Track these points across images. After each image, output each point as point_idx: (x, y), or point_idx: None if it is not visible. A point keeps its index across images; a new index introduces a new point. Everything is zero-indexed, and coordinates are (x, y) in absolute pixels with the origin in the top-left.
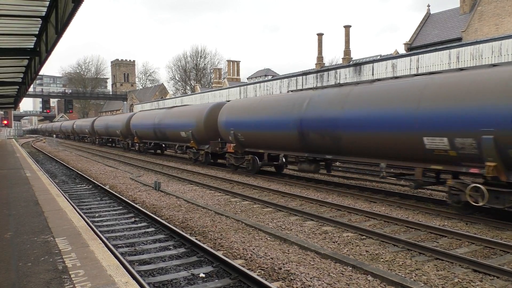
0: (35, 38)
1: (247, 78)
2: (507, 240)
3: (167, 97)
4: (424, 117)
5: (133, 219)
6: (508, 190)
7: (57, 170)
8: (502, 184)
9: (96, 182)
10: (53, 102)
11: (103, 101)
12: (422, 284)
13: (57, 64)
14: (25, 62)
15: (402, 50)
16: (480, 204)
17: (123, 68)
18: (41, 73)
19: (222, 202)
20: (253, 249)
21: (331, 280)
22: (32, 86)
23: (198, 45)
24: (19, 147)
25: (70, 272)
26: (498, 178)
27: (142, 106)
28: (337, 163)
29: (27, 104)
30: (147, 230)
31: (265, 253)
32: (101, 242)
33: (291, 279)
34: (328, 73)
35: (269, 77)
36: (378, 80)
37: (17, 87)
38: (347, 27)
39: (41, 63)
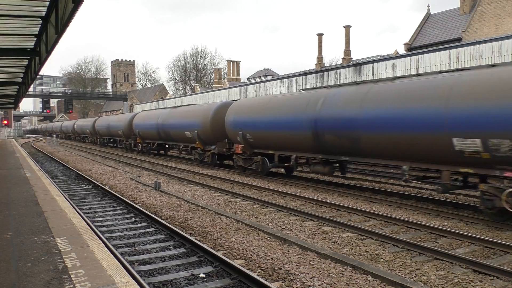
0: (35, 38)
1: (247, 78)
2: (507, 240)
3: (167, 97)
4: (454, 117)
5: (133, 219)
6: None
7: (57, 170)
8: None
9: (96, 182)
10: (53, 102)
11: (103, 101)
12: (422, 284)
13: (57, 64)
14: (25, 62)
15: (402, 50)
16: None
17: (123, 68)
18: (41, 73)
19: (222, 202)
20: (253, 249)
21: (331, 280)
22: (32, 86)
23: (198, 45)
24: (19, 147)
25: (70, 272)
26: None
27: (142, 106)
28: (352, 165)
29: (27, 104)
30: (147, 230)
31: (265, 253)
32: (101, 242)
33: (291, 279)
34: (328, 73)
35: (269, 77)
36: (399, 77)
37: (17, 87)
38: (347, 27)
39: (41, 63)
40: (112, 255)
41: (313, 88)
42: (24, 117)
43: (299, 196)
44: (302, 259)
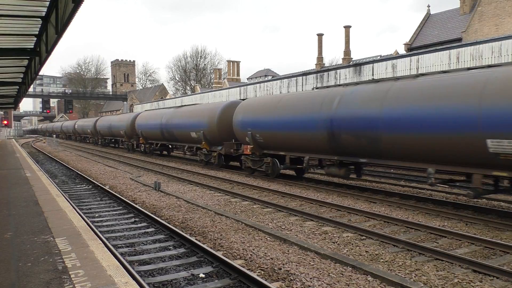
0: (35, 38)
1: (247, 78)
2: (507, 241)
3: (167, 97)
4: (489, 117)
5: (133, 219)
6: None
7: (57, 170)
8: None
9: (96, 182)
10: (53, 102)
11: (103, 101)
12: (422, 285)
13: (57, 64)
14: (25, 62)
15: (402, 51)
16: None
17: (123, 68)
18: (41, 73)
19: (222, 202)
20: (253, 249)
21: (331, 281)
22: (32, 86)
23: (198, 45)
24: (19, 147)
25: (70, 272)
26: None
27: (142, 106)
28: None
29: (27, 104)
30: (147, 230)
31: (265, 253)
32: (101, 242)
33: (291, 280)
34: (328, 73)
35: (269, 77)
36: (422, 75)
37: (17, 87)
38: (347, 27)
39: (41, 63)
40: (112, 255)
41: (328, 87)
42: (24, 117)
43: (299, 196)
44: (302, 259)
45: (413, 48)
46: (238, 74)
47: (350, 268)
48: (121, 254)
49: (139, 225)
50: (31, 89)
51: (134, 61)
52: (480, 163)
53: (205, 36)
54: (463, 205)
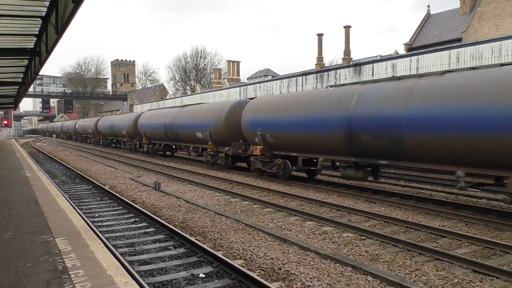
0: (35, 38)
1: (247, 78)
2: (507, 241)
3: (167, 97)
4: None
5: (133, 219)
6: None
7: (57, 170)
8: None
9: (96, 182)
10: (53, 102)
11: (103, 101)
12: (422, 285)
13: (57, 64)
14: (25, 62)
15: (402, 51)
16: None
17: (123, 68)
18: (41, 73)
19: (222, 202)
20: (253, 249)
21: (331, 281)
22: (32, 86)
23: (198, 45)
24: (19, 147)
25: (70, 272)
26: None
27: (142, 106)
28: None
29: (27, 104)
30: (147, 230)
31: (265, 253)
32: (101, 242)
33: (291, 279)
34: (328, 73)
35: (269, 77)
36: (448, 71)
37: (17, 87)
38: (347, 28)
39: (41, 63)
40: (112, 255)
41: (343, 84)
42: (24, 117)
43: (299, 196)
44: (302, 259)
45: (413, 48)
46: (238, 74)
47: (350, 268)
48: (121, 254)
49: (139, 225)
50: (31, 89)
51: (134, 61)
52: None
53: (205, 36)
54: (463, 205)
